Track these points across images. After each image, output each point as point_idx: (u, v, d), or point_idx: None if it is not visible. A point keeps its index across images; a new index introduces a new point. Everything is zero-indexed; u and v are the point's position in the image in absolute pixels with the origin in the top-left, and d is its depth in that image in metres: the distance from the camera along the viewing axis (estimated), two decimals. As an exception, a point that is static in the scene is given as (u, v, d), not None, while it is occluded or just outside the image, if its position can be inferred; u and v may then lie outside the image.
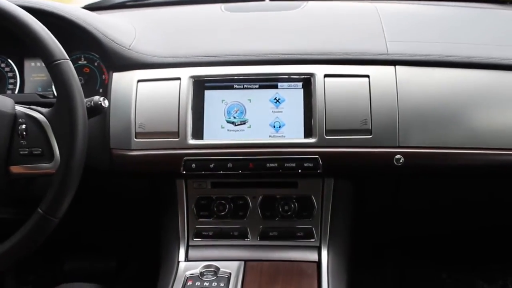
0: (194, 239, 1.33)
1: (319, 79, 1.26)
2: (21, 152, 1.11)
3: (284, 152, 1.25)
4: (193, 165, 1.25)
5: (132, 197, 1.45)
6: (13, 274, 1.81)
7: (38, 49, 1.09)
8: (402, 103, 1.24)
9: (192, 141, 1.26)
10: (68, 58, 1.10)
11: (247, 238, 1.32)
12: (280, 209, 1.31)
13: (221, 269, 1.25)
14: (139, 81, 1.30)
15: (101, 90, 1.40)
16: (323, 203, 1.30)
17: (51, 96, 1.40)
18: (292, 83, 1.29)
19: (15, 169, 1.11)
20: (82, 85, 1.11)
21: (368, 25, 1.43)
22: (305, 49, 1.32)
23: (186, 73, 1.29)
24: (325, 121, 1.24)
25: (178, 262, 1.30)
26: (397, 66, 1.28)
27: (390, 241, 1.72)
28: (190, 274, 1.25)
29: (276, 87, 1.30)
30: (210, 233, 1.32)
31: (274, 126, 1.28)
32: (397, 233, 1.59)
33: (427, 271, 1.76)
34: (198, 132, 1.28)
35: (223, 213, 1.32)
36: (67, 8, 1.33)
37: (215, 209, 1.32)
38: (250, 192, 1.32)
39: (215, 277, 1.23)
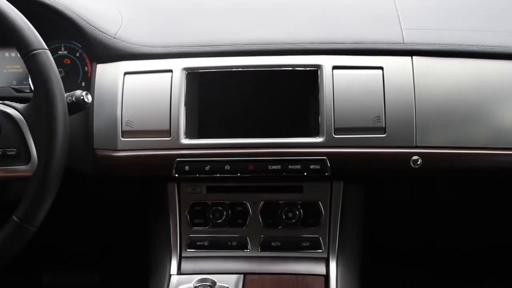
0: (188, 250, 1.31)
1: (326, 71, 1.25)
2: (-6, 153, 1.09)
3: (288, 153, 1.23)
4: (187, 167, 1.24)
5: (118, 203, 1.44)
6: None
7: (12, 38, 1.07)
8: (420, 98, 1.23)
9: (185, 141, 1.25)
10: (47, 48, 1.08)
11: (247, 248, 1.31)
12: (284, 217, 1.29)
13: (217, 284, 1.23)
14: (126, 73, 1.29)
15: (83, 84, 1.38)
16: (332, 209, 1.29)
17: (28, 90, 1.38)
18: (297, 76, 1.27)
19: (-13, 172, 1.09)
20: (62, 78, 1.09)
21: (382, 11, 1.41)
22: (311, 37, 1.30)
23: (178, 65, 1.28)
24: (334, 118, 1.22)
25: (170, 275, 1.28)
26: (414, 57, 1.26)
27: (406, 252, 1.71)
28: (183, 289, 1.23)
29: (279, 80, 1.28)
30: (206, 243, 1.31)
31: (277, 124, 1.27)
32: (414, 243, 1.59)
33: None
34: (192, 130, 1.26)
35: (220, 220, 1.30)
36: (45, -8, 1.31)
37: (211, 216, 1.30)
38: (250, 197, 1.31)
39: (211, 292, 1.22)
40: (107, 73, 1.30)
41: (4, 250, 1.06)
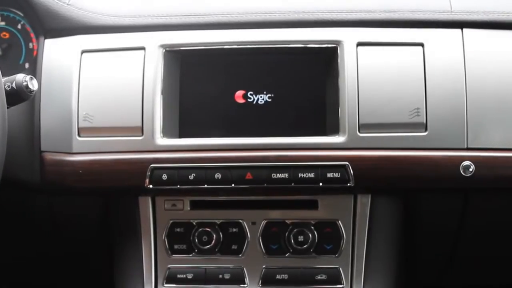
0: (165, 285, 1.31)
1: (349, 50, 1.25)
2: None
3: (297, 157, 1.23)
4: (164, 176, 1.24)
5: (74, 224, 1.43)
6: None
7: None
8: (472, 84, 1.23)
9: (162, 141, 1.25)
10: None
11: (244, 283, 1.31)
12: (292, 241, 1.29)
13: (205, 331, 1.24)
14: (83, 51, 1.29)
15: (27, 65, 1.38)
16: (355, 231, 1.29)
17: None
18: (310, 56, 1.28)
19: None
20: (-2, 57, 1.08)
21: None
22: (329, 4, 1.31)
23: (153, 40, 1.28)
24: (358, 111, 1.23)
25: (142, 320, 1.29)
26: (465, 29, 1.27)
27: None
28: (160, 337, 1.24)
29: (286, 61, 1.29)
30: (189, 276, 1.31)
31: (282, 119, 1.27)
32: (467, 279, 1.60)
33: None
34: (171, 127, 1.27)
35: (208, 246, 1.30)
36: None
37: (196, 240, 1.30)
38: (248, 215, 1.31)
39: None
40: (58, 51, 1.31)
41: None
